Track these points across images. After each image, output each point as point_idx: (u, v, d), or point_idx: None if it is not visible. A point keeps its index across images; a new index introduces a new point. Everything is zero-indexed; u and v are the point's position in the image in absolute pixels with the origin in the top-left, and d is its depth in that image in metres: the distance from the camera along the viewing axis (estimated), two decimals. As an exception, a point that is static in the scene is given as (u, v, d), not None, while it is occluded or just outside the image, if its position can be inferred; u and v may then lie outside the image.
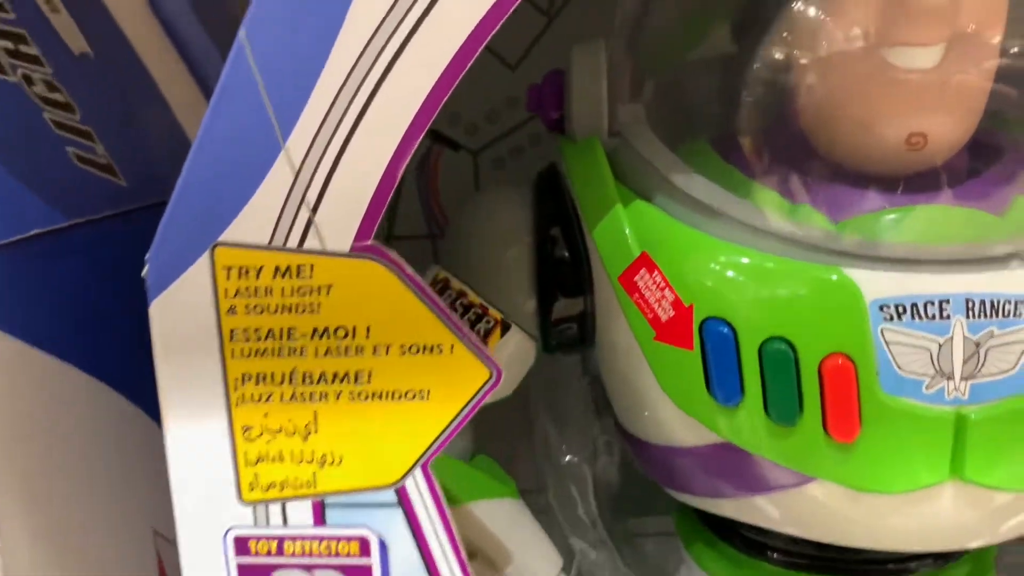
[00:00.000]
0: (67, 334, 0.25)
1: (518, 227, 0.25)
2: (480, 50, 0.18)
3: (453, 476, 0.26)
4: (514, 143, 0.36)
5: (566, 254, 0.25)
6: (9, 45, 0.28)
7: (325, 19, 0.18)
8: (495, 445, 0.28)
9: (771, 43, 0.23)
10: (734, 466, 0.23)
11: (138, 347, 0.28)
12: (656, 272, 0.22)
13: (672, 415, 0.23)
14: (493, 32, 0.18)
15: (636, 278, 0.22)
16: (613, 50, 0.25)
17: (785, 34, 0.23)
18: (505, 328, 0.25)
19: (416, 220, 0.37)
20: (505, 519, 0.26)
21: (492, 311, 0.25)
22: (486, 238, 0.26)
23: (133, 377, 0.28)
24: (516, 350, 0.26)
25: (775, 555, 0.27)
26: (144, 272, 0.19)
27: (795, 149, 0.23)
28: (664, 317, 0.22)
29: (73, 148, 0.29)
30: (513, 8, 0.18)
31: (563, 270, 0.25)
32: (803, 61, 0.22)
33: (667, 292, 0.22)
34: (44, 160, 0.27)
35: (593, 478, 0.28)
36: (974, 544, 0.23)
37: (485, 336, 0.25)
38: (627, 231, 0.23)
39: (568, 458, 0.28)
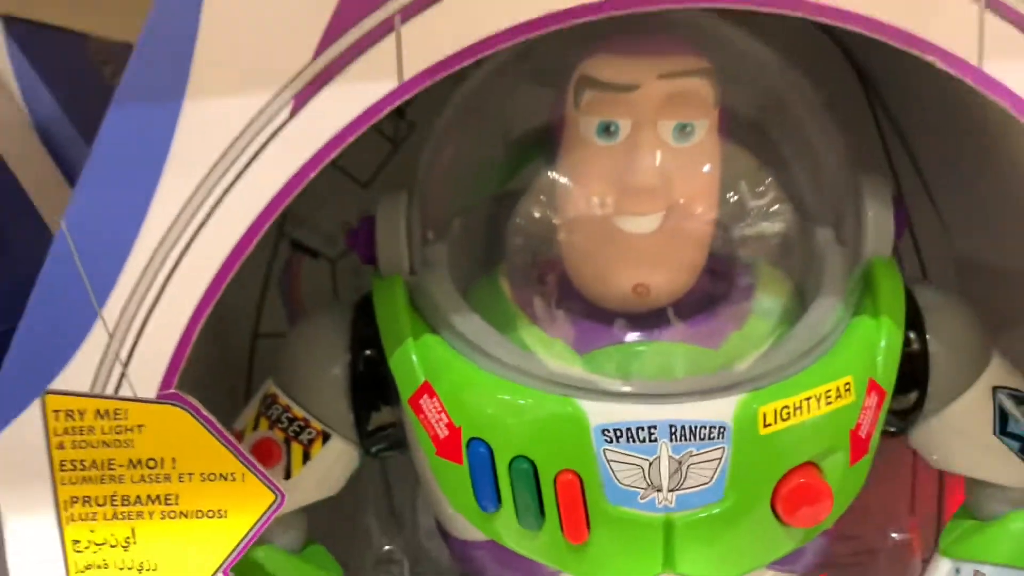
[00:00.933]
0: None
1: (336, 348, 0.29)
2: (273, 217, 0.23)
3: (283, 568, 0.30)
4: (368, 255, 0.41)
5: (376, 372, 0.29)
6: None
7: (131, 213, 0.22)
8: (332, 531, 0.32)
9: (531, 203, 0.28)
10: (510, 559, 0.27)
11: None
12: (435, 398, 0.26)
13: (459, 516, 0.28)
14: (284, 204, 0.23)
15: (420, 401, 0.27)
16: (414, 198, 0.29)
17: (542, 197, 0.27)
18: (326, 437, 0.30)
19: (280, 319, 0.41)
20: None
21: (313, 423, 0.29)
22: (311, 359, 0.30)
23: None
24: (338, 456, 0.30)
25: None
26: (-13, 414, 0.23)
27: (554, 289, 0.28)
28: (441, 436, 0.26)
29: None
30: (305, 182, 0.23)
31: (376, 385, 0.29)
32: (555, 221, 0.27)
33: (443, 415, 0.26)
34: None
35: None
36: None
37: (308, 445, 0.30)
38: (415, 360, 0.27)
39: (387, 548, 0.32)
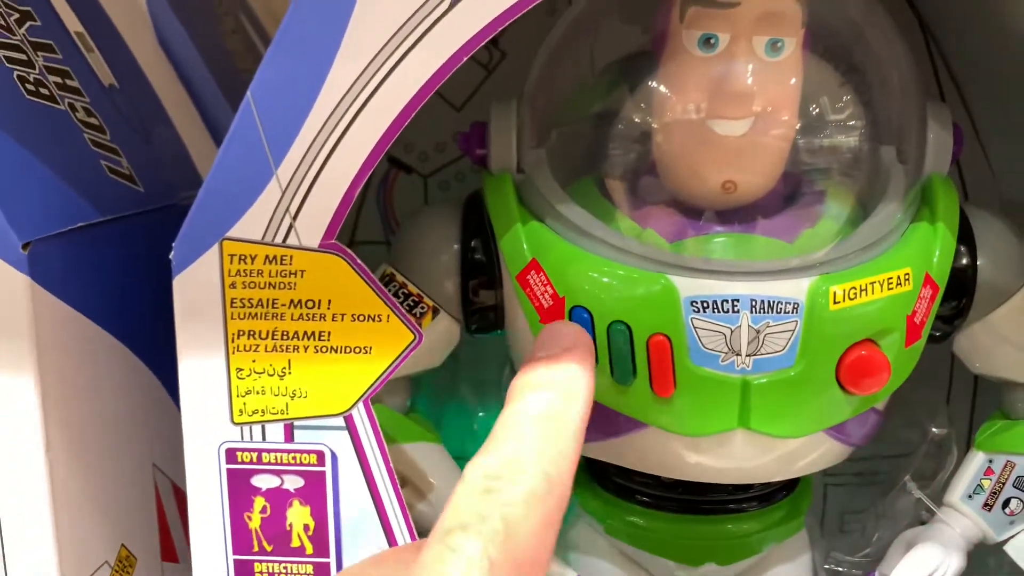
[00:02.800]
0: (101, 304, 0.33)
1: (448, 237, 0.33)
2: (424, 101, 0.26)
3: (393, 423, 0.34)
4: (458, 170, 0.45)
5: (483, 259, 0.33)
6: (59, 80, 0.36)
7: (307, 87, 0.26)
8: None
9: (632, 110, 0.31)
10: (596, 415, 0.31)
11: (153, 318, 0.36)
12: (542, 273, 0.30)
13: (553, 379, 0.31)
14: (435, 89, 0.26)
15: (528, 277, 0.30)
16: (523, 107, 0.33)
17: (642, 104, 0.31)
18: (436, 313, 0.34)
19: (375, 228, 0.45)
20: (429, 458, 0.34)
21: (426, 299, 0.33)
22: (425, 245, 0.34)
23: (146, 342, 0.36)
24: (444, 330, 0.34)
25: (640, 498, 0.35)
26: (170, 255, 0.27)
27: (647, 188, 0.31)
28: (546, 305, 0.30)
29: (105, 162, 0.36)
30: (454, 69, 0.26)
31: (481, 270, 0.33)
32: (654, 125, 0.31)
33: (548, 287, 0.30)
34: (85, 171, 0.35)
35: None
36: (769, 478, 0.32)
37: (420, 318, 0.34)
38: (523, 243, 0.31)
39: (481, 415, 0.36)
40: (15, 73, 0.33)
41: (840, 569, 0.38)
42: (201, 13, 0.51)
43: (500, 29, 0.25)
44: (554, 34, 0.33)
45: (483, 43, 0.25)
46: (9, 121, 0.32)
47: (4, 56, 0.33)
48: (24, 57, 0.34)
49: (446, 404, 0.39)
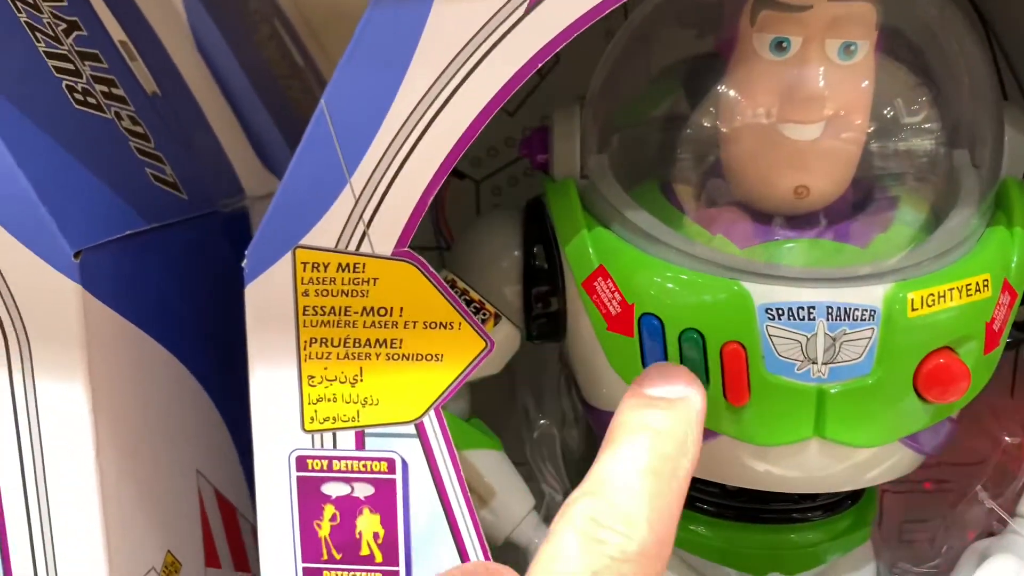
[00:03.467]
0: (148, 312, 0.33)
1: (510, 244, 0.33)
2: (498, 109, 0.26)
3: (456, 429, 0.33)
4: (510, 175, 0.44)
5: (545, 265, 0.33)
6: (105, 89, 0.36)
7: (381, 96, 0.26)
8: (486, 415, 0.36)
9: (701, 115, 0.31)
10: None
11: (196, 325, 0.36)
12: (609, 280, 0.30)
13: (619, 386, 0.31)
14: (508, 97, 0.26)
15: (595, 283, 0.30)
16: (585, 113, 0.33)
17: (711, 109, 0.31)
18: (497, 319, 0.33)
19: (427, 234, 0.45)
20: (492, 465, 0.34)
21: (488, 305, 0.33)
22: (486, 251, 0.34)
23: (191, 350, 0.36)
24: (505, 337, 0.34)
25: (704, 507, 0.35)
26: (243, 263, 0.27)
27: (716, 193, 0.31)
28: (614, 312, 0.30)
29: (150, 169, 0.36)
30: (527, 77, 0.26)
31: (543, 277, 0.33)
32: (724, 130, 0.30)
33: (616, 294, 0.30)
34: (132, 179, 0.35)
35: (561, 443, 0.36)
36: (840, 488, 0.31)
37: (483, 324, 0.33)
38: (590, 249, 0.30)
39: (542, 422, 0.36)
40: (64, 83, 0.34)
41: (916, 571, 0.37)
42: (237, 21, 0.51)
43: (573, 37, 0.25)
44: (618, 39, 0.33)
45: (556, 51, 0.25)
46: (59, 130, 0.32)
47: (54, 66, 0.33)
48: (72, 67, 0.34)
49: (505, 410, 0.39)
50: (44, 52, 0.33)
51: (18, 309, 0.29)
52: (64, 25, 0.35)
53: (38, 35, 0.33)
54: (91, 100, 0.34)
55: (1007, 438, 0.36)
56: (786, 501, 0.33)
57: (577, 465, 0.37)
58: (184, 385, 0.36)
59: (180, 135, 0.40)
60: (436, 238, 0.46)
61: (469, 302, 0.33)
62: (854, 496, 0.35)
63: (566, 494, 0.33)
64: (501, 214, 0.35)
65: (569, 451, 0.37)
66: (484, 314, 0.33)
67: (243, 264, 0.27)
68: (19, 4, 0.33)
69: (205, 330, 0.37)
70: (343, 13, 0.57)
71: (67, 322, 0.28)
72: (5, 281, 0.28)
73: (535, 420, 0.36)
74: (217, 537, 0.39)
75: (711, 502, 0.34)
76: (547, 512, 0.35)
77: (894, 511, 0.45)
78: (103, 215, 0.32)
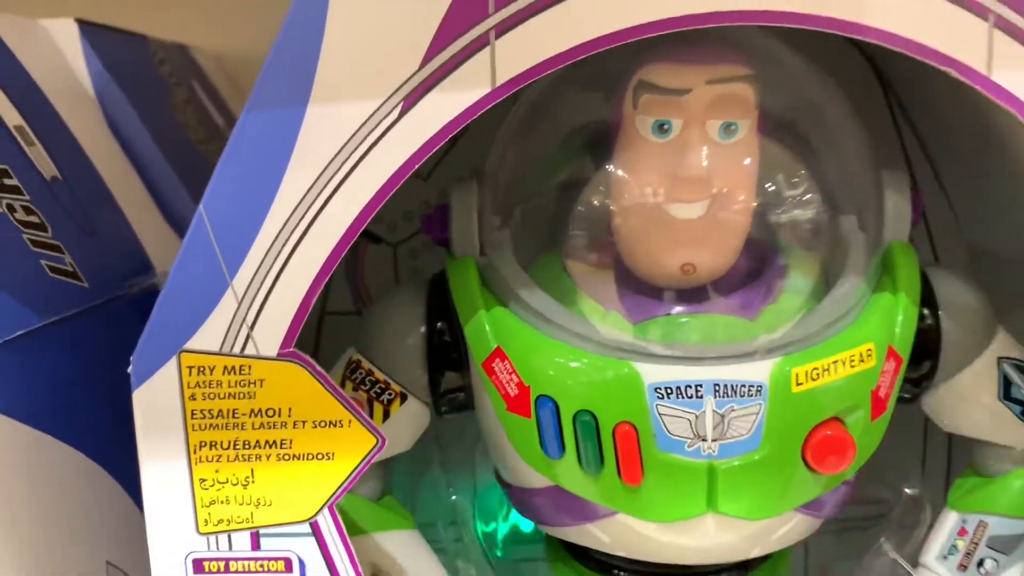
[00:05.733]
0: (47, 410, 0.32)
1: (414, 321, 0.33)
2: (378, 209, 0.26)
3: (365, 511, 0.34)
4: (426, 239, 0.44)
5: (449, 340, 0.33)
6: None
7: (260, 199, 0.26)
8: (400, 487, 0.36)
9: (591, 193, 0.31)
10: (568, 502, 0.31)
11: (104, 415, 0.35)
12: (507, 360, 0.30)
13: (523, 465, 0.31)
14: (387, 196, 0.26)
15: (493, 364, 0.30)
16: (483, 189, 0.33)
17: (600, 187, 0.31)
18: (404, 398, 0.33)
19: (346, 298, 0.45)
20: (403, 546, 0.34)
21: (393, 385, 0.33)
22: (391, 329, 0.34)
23: (99, 441, 0.35)
24: (413, 415, 0.34)
25: (619, 573, 0.35)
26: (129, 369, 0.27)
27: (608, 268, 0.31)
28: (512, 394, 0.30)
29: (46, 260, 0.36)
30: (407, 175, 0.26)
31: (447, 353, 0.33)
32: (612, 208, 0.31)
33: (513, 375, 0.30)
34: (24, 273, 0.34)
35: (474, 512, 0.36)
36: (741, 557, 0.32)
37: (388, 404, 0.33)
38: (487, 329, 0.31)
39: (453, 497, 0.36)
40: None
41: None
42: (151, 89, 0.51)
43: (448, 138, 0.26)
44: (513, 117, 0.33)
45: (431, 152, 0.25)
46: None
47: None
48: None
49: (420, 479, 0.39)
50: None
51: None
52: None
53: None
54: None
55: (907, 490, 0.37)
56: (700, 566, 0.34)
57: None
58: (91, 477, 0.35)
59: (81, 219, 0.40)
60: (355, 303, 0.46)
61: (375, 383, 0.33)
62: (764, 556, 0.35)
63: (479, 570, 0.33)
64: (406, 290, 0.35)
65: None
66: (390, 394, 0.33)
67: (128, 370, 0.27)
68: None
69: (112, 417, 0.36)
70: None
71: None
72: None
73: (446, 494, 0.36)
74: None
75: (627, 570, 0.34)
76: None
77: (818, 554, 0.46)
78: None
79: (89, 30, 0.47)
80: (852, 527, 0.44)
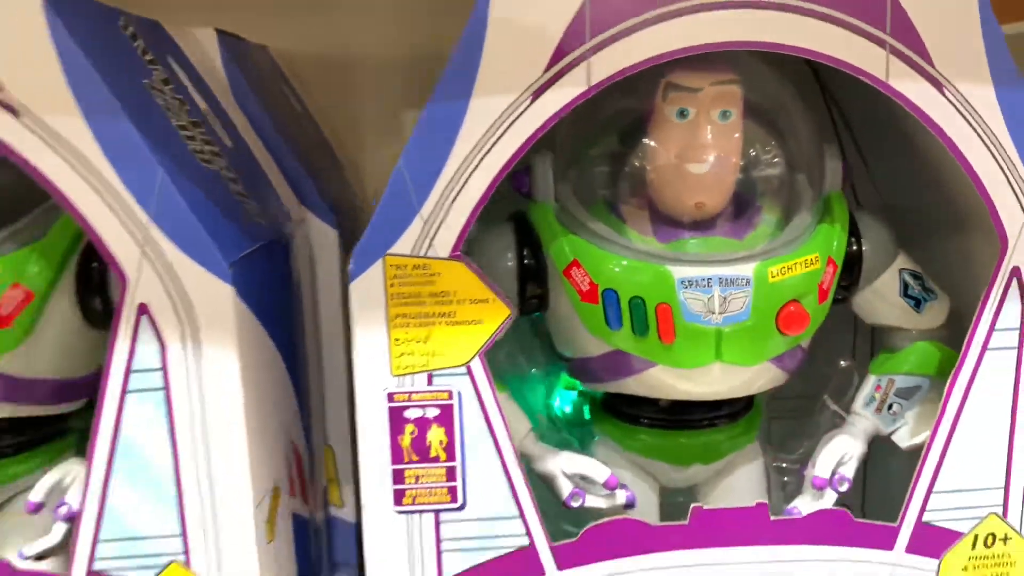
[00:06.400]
0: (260, 309, 0.46)
1: (507, 249, 0.48)
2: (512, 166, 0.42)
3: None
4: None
5: (534, 263, 0.48)
6: (209, 148, 0.49)
7: (438, 159, 0.41)
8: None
9: (633, 158, 0.47)
10: (618, 362, 0.47)
11: (279, 321, 0.50)
12: (581, 268, 0.46)
13: (588, 339, 0.47)
14: (514, 164, 0.42)
15: (571, 271, 0.46)
16: (557, 157, 0.48)
17: (640, 154, 0.47)
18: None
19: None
20: (503, 400, 0.49)
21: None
22: (491, 256, 0.49)
23: (278, 338, 0.50)
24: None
25: (645, 421, 0.51)
26: (349, 267, 0.42)
27: (645, 208, 0.47)
28: (585, 289, 0.45)
29: (245, 206, 0.50)
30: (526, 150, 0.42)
31: (531, 271, 0.48)
32: (648, 168, 0.46)
33: (586, 277, 0.45)
34: (236, 214, 0.48)
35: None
36: (737, 395, 0.47)
37: (492, 304, 0.49)
38: (566, 249, 0.46)
39: (532, 371, 0.51)
40: (189, 147, 0.47)
41: (784, 466, 0.54)
42: (262, 83, 0.65)
43: (560, 119, 0.41)
44: (576, 107, 0.49)
45: (548, 129, 0.41)
46: (197, 181, 0.45)
47: (185, 135, 0.47)
48: (190, 134, 0.48)
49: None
50: (176, 125, 0.46)
51: (187, 304, 0.42)
52: (178, 103, 0.49)
53: (169, 112, 0.47)
54: (203, 157, 0.48)
55: (842, 363, 0.53)
56: (701, 412, 0.50)
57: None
58: (276, 363, 0.49)
59: (247, 178, 0.54)
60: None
61: (482, 289, 0.48)
62: (746, 411, 0.52)
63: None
64: (498, 227, 0.50)
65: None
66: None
67: (349, 268, 0.42)
68: (153, 89, 0.46)
69: (282, 323, 0.51)
70: (326, 68, 0.73)
71: (224, 315, 0.42)
72: (181, 284, 0.42)
73: (526, 372, 0.52)
74: (294, 474, 0.53)
75: (650, 416, 0.50)
76: (540, 432, 0.50)
77: (778, 434, 0.62)
78: (233, 238, 0.45)
79: (220, 35, 0.61)
80: (802, 416, 0.61)
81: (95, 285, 0.46)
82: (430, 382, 0.43)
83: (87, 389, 0.49)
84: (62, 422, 0.50)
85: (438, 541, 0.44)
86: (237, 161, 0.53)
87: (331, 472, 0.62)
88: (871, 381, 0.51)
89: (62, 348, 0.46)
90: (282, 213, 0.56)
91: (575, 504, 0.48)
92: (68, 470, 0.47)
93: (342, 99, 0.76)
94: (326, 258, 0.60)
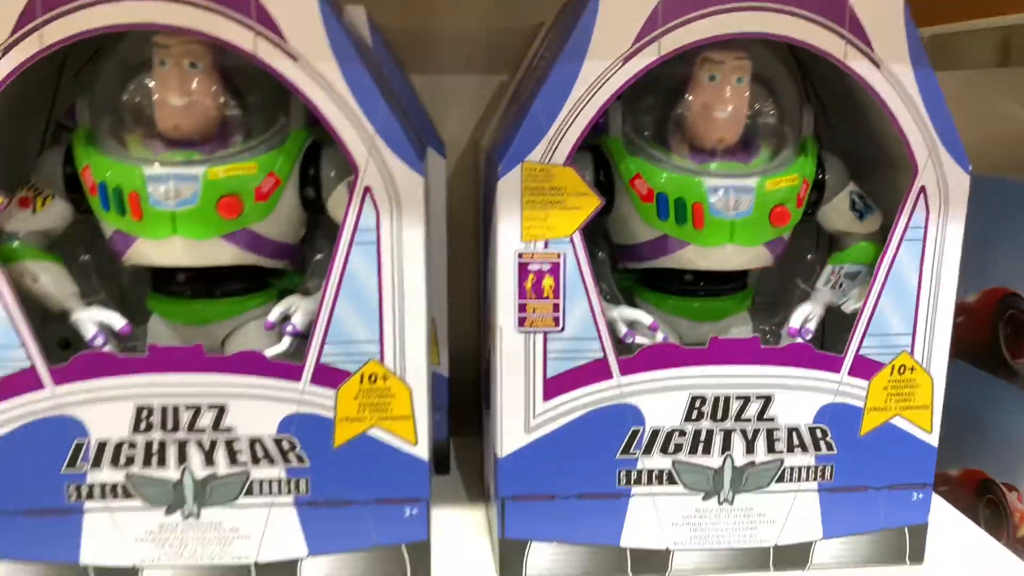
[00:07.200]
0: (426, 195, 0.69)
1: (587, 168, 0.71)
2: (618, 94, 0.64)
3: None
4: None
5: (603, 178, 0.71)
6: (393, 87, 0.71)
7: (559, 100, 0.63)
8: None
9: (677, 108, 0.70)
10: (661, 244, 0.70)
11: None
12: (641, 178, 0.69)
13: (643, 229, 0.70)
14: (624, 88, 0.64)
15: (635, 182, 0.69)
16: (624, 104, 0.71)
17: (681, 104, 0.70)
18: (583, 202, 0.72)
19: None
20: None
21: (579, 196, 0.72)
22: (579, 169, 0.71)
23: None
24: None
25: (672, 289, 0.74)
26: (498, 170, 0.64)
27: (685, 141, 0.70)
28: (644, 193, 0.68)
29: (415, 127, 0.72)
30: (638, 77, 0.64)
31: (602, 185, 0.71)
32: (687, 114, 0.69)
33: (645, 185, 0.68)
34: (416, 132, 0.70)
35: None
36: (742, 267, 0.71)
37: (577, 204, 0.71)
38: (631, 167, 0.69)
39: (599, 255, 0.74)
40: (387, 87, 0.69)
41: (765, 327, 0.78)
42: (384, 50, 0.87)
43: (637, 78, 0.64)
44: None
45: (631, 85, 0.64)
46: (398, 109, 0.67)
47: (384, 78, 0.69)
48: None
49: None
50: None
51: (394, 188, 0.64)
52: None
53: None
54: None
55: (808, 256, 0.77)
56: (712, 285, 0.73)
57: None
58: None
59: (412, 117, 0.76)
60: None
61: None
62: (742, 288, 0.75)
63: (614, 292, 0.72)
64: (580, 155, 0.72)
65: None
66: (577, 200, 0.71)
67: (498, 170, 0.64)
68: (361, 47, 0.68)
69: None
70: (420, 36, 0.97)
71: (415, 195, 0.64)
72: (392, 176, 0.64)
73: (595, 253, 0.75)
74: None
75: (677, 287, 0.74)
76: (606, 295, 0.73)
77: (761, 316, 0.86)
78: (419, 146, 0.67)
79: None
80: (777, 305, 0.84)
81: (310, 180, 0.68)
82: (546, 246, 0.66)
83: (293, 255, 0.71)
84: (272, 276, 0.72)
85: (545, 352, 0.67)
86: (401, 104, 0.75)
87: (433, 338, 0.85)
88: (828, 268, 0.75)
89: (287, 221, 0.68)
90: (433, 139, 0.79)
91: (628, 340, 0.71)
92: (292, 302, 0.69)
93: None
94: (435, 179, 0.82)
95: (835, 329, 0.76)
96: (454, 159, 1.02)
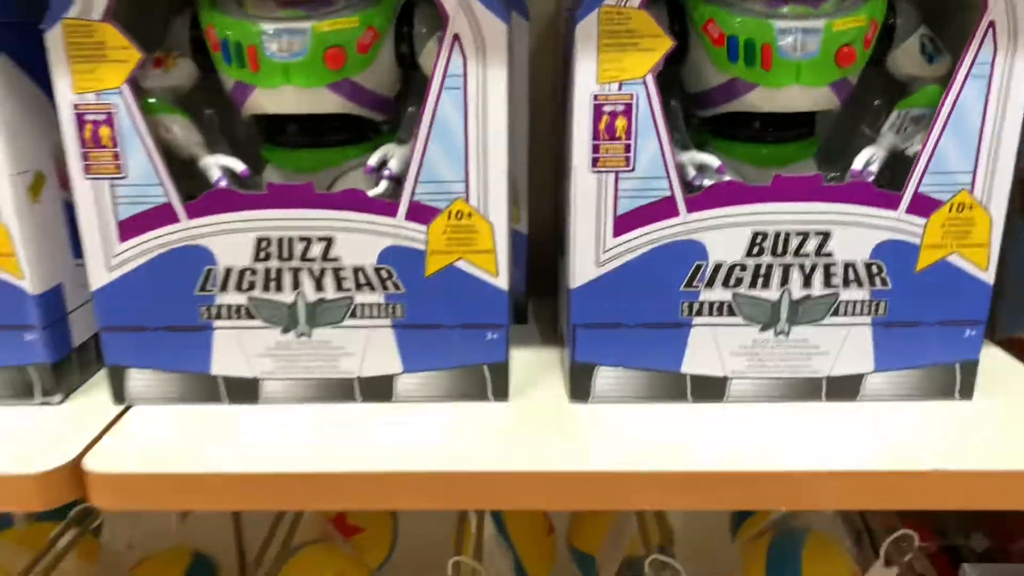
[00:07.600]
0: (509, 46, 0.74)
1: (660, 18, 0.75)
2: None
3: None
4: None
5: (676, 28, 0.74)
6: None
7: None
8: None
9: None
10: (732, 87, 0.74)
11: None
12: (713, 22, 0.72)
13: (713, 73, 0.74)
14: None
15: (708, 26, 0.72)
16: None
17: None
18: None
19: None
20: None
21: (653, 43, 0.75)
22: (655, 15, 0.75)
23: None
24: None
25: (740, 136, 0.78)
26: (576, 13, 0.69)
27: (756, -13, 0.73)
28: (715, 36, 0.72)
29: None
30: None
31: (676, 31, 0.75)
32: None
33: (717, 28, 0.72)
34: None
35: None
36: (806, 108, 0.75)
37: (650, 51, 0.75)
38: (704, 12, 0.72)
39: (672, 103, 0.79)
40: None
41: (830, 175, 0.81)
42: None
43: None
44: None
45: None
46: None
47: None
48: None
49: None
50: None
51: (480, 36, 0.69)
52: None
53: None
54: None
55: (876, 102, 0.80)
56: (779, 130, 0.77)
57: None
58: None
59: None
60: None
61: (644, 41, 0.75)
62: (809, 135, 0.79)
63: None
64: (654, 4, 0.76)
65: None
66: (650, 47, 0.75)
67: (576, 14, 0.69)
68: None
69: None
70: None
71: (500, 42, 0.69)
72: (479, 24, 0.69)
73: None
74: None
75: (745, 132, 0.78)
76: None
77: (825, 169, 0.89)
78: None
79: None
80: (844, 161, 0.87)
81: (405, 36, 0.73)
82: (620, 88, 0.70)
83: (389, 109, 0.77)
84: (371, 130, 0.79)
85: (616, 190, 0.73)
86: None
87: (514, 198, 0.91)
88: (894, 113, 0.78)
89: (385, 72, 0.74)
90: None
91: (696, 183, 0.76)
92: (388, 149, 0.76)
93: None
94: (519, 41, 0.86)
95: (903, 178, 0.79)
96: (536, 33, 1.05)
